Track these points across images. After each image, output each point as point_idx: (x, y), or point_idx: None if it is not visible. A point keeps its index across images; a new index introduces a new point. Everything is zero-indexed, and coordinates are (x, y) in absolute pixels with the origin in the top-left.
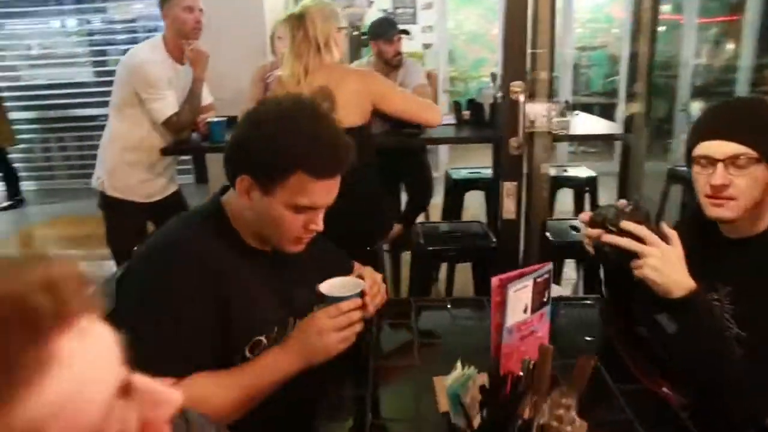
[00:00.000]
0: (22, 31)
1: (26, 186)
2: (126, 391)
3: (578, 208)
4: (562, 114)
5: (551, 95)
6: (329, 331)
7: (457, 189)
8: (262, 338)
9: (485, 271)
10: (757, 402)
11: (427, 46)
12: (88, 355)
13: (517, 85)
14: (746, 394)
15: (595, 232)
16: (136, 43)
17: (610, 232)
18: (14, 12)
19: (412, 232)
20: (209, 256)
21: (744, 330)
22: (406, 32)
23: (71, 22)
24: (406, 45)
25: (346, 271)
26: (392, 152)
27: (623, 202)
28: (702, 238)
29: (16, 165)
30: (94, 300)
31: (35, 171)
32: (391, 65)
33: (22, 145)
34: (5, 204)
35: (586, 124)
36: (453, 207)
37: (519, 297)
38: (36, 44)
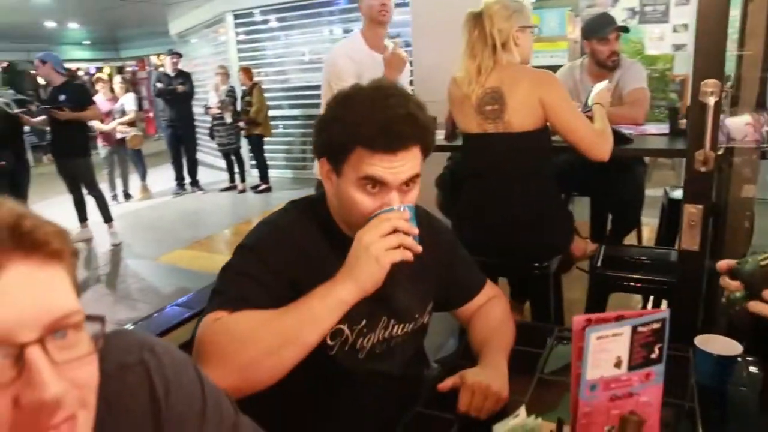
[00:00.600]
0: (298, 40)
1: (283, 173)
2: (17, 356)
3: None
4: None
5: (763, 102)
6: (374, 239)
7: (673, 210)
8: (344, 327)
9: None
10: None
11: (678, 47)
12: None
13: (708, 85)
14: None
15: (734, 285)
16: None
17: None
18: (294, 24)
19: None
20: (303, 240)
21: None
22: (624, 29)
23: (337, 30)
24: (657, 47)
25: (468, 292)
26: (600, 165)
27: None
28: None
29: (277, 155)
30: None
31: (292, 161)
32: (605, 67)
33: (283, 139)
34: (262, 187)
35: None
36: (668, 230)
37: (606, 347)
38: (308, 51)
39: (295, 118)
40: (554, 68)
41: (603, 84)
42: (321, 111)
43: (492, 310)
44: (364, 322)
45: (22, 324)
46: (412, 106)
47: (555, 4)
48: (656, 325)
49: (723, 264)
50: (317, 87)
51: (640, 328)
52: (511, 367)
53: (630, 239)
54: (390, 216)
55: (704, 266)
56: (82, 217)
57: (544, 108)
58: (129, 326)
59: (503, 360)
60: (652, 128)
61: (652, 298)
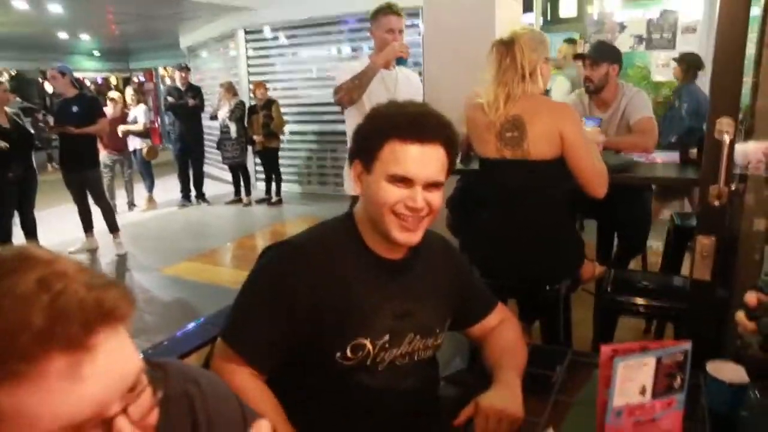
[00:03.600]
0: (307, 57)
1: (291, 188)
2: (103, 424)
3: None
4: None
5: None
6: None
7: (678, 237)
8: (366, 342)
9: (673, 335)
10: None
11: None
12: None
13: (724, 123)
14: None
15: (750, 327)
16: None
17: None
18: (303, 42)
19: (604, 277)
20: (323, 262)
21: None
22: (580, 56)
23: (345, 49)
24: (662, 74)
25: (480, 311)
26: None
27: None
28: None
29: (284, 169)
30: (104, 319)
31: (299, 176)
32: (587, 90)
33: (291, 154)
34: (274, 199)
35: None
36: (674, 256)
37: (632, 375)
38: (316, 68)
39: (303, 133)
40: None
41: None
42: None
43: (505, 331)
44: (387, 337)
45: (111, 399)
46: (434, 110)
47: (565, 28)
48: (680, 357)
49: (753, 298)
50: (325, 104)
51: (664, 360)
52: (524, 388)
53: (635, 263)
54: None
55: (716, 296)
56: (88, 226)
57: (562, 140)
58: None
59: (517, 380)
60: (660, 157)
61: (655, 322)
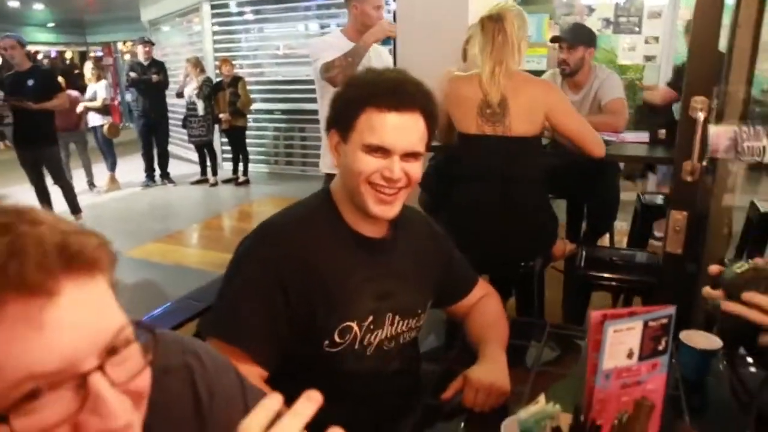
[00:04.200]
0: (274, 34)
1: (257, 168)
2: (79, 385)
3: None
4: (760, 138)
5: (746, 115)
6: None
7: (645, 215)
8: (353, 324)
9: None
10: None
11: (649, 58)
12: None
13: (697, 101)
14: None
15: (715, 294)
16: None
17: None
18: (270, 18)
19: (575, 254)
20: (306, 243)
21: None
22: (555, 39)
23: (313, 26)
24: (629, 57)
25: (463, 289)
26: (579, 170)
27: (761, 260)
28: None
29: (251, 149)
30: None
31: (267, 156)
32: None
33: (258, 132)
34: (241, 179)
35: None
36: (640, 233)
37: (621, 339)
38: (283, 45)
39: (270, 112)
40: (535, 74)
41: None
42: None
43: (487, 306)
44: (371, 318)
45: (81, 353)
46: (410, 76)
47: (534, 10)
48: (665, 320)
49: (714, 268)
50: (293, 81)
51: (650, 323)
52: (508, 361)
53: (601, 242)
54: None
55: (687, 268)
56: (47, 208)
57: (549, 115)
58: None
59: (502, 354)
60: (630, 136)
61: (623, 297)
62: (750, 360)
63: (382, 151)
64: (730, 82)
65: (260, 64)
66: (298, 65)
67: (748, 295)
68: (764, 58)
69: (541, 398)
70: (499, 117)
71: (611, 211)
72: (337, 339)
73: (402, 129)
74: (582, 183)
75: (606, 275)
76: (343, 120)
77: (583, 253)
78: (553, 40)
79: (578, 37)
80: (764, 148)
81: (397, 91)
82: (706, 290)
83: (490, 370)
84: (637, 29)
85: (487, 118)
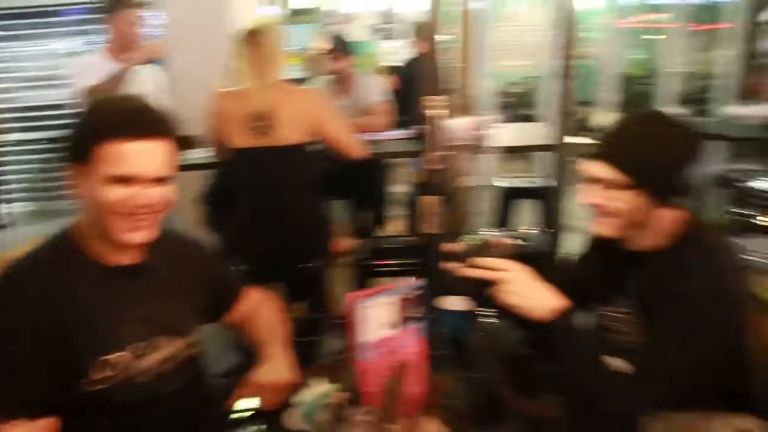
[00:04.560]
0: (25, 53)
1: (23, 207)
2: None
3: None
4: (489, 127)
5: (472, 109)
6: None
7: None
8: (113, 357)
9: None
10: (631, 417)
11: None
12: None
13: (432, 100)
14: (621, 410)
15: (451, 266)
16: None
17: None
18: (20, 35)
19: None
20: (44, 283)
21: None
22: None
23: (72, 44)
24: (388, 60)
25: (230, 298)
26: (349, 170)
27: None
28: (610, 251)
29: (11, 186)
30: None
31: (31, 192)
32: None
33: (18, 167)
34: None
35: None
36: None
37: (374, 314)
38: (31, 67)
39: (30, 142)
40: (299, 82)
41: None
42: None
43: (261, 311)
44: (137, 344)
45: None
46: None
47: (300, 20)
48: (420, 291)
49: (445, 246)
50: (54, 107)
51: (406, 296)
52: (298, 357)
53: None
54: None
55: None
56: None
57: (314, 122)
58: None
59: (283, 350)
60: (397, 133)
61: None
62: (492, 312)
63: (127, 180)
64: (461, 82)
65: (10, 89)
66: (61, 88)
67: (474, 260)
68: (506, 55)
69: (324, 382)
70: (266, 128)
71: (381, 203)
72: (94, 376)
73: (146, 156)
74: (354, 183)
75: (385, 262)
76: (81, 152)
77: (363, 246)
78: (330, 51)
79: (345, 47)
80: (487, 135)
81: (137, 121)
82: (443, 264)
83: (271, 368)
84: (393, 35)
85: (255, 130)
